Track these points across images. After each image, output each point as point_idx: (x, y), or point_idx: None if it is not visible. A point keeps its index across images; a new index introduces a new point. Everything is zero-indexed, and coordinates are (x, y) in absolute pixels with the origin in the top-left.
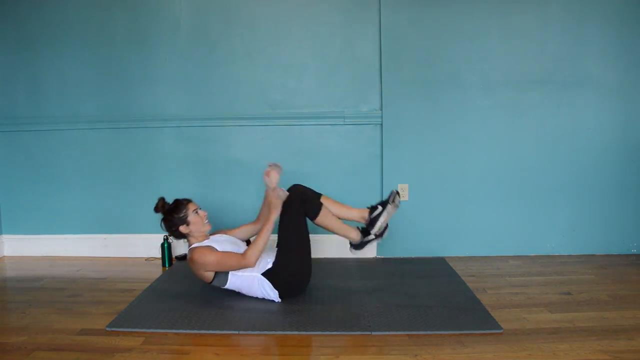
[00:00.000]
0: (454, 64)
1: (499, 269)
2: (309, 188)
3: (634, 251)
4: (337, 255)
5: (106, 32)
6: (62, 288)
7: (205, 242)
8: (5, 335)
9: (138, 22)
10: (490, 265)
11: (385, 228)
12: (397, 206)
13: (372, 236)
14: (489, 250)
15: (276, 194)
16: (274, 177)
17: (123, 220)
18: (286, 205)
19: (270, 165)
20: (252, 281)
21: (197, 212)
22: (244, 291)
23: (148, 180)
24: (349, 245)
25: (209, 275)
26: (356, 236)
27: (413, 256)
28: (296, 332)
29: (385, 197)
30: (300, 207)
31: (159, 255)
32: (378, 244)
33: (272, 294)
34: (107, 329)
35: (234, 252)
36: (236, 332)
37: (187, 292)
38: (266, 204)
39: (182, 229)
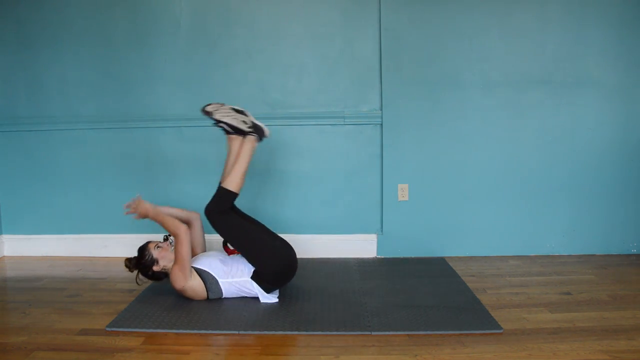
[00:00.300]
0: (454, 64)
1: (499, 269)
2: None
3: (634, 251)
4: (337, 255)
5: (106, 32)
6: (62, 288)
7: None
8: (5, 335)
9: (138, 22)
10: (490, 265)
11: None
12: (215, 109)
13: (245, 127)
14: (489, 250)
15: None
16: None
17: (123, 220)
18: (215, 224)
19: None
20: (246, 285)
21: (158, 247)
22: (244, 294)
23: (148, 180)
24: (259, 140)
25: (200, 292)
26: (250, 139)
27: (413, 256)
28: (296, 332)
29: (213, 123)
30: (223, 214)
31: None
32: (378, 245)
33: (267, 295)
34: (107, 329)
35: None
36: (236, 332)
37: None
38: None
39: (156, 268)
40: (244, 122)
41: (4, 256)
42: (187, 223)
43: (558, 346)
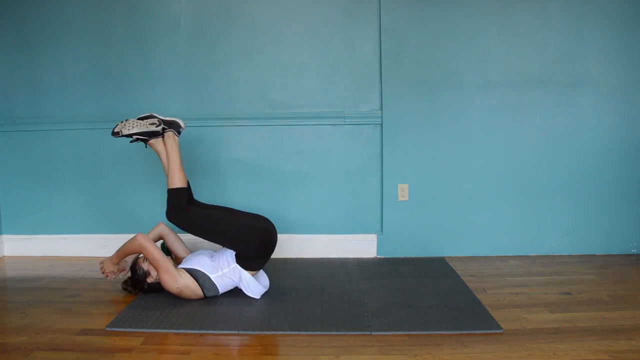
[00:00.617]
0: (454, 64)
1: (499, 269)
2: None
3: (634, 251)
4: (337, 255)
5: (106, 32)
6: (62, 288)
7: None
8: (5, 335)
9: (138, 21)
10: (490, 265)
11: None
12: (122, 125)
13: (154, 128)
14: (489, 250)
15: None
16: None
17: (123, 220)
18: (181, 225)
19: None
20: (233, 273)
21: (147, 259)
22: (235, 284)
23: (148, 180)
24: (177, 134)
25: (196, 290)
26: (169, 136)
27: (413, 256)
28: (296, 332)
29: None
30: (183, 214)
31: None
32: (378, 245)
33: (251, 288)
34: (107, 329)
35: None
36: (236, 332)
37: None
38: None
39: (150, 280)
40: (153, 124)
41: (4, 256)
42: (161, 237)
43: (558, 346)
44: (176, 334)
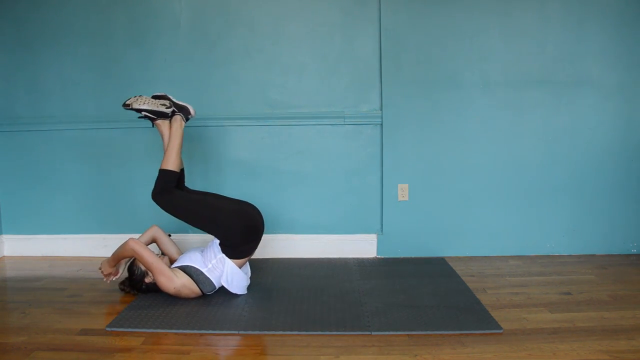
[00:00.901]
0: (454, 64)
1: (499, 269)
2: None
3: (634, 251)
4: (337, 255)
5: (106, 32)
6: (62, 288)
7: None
8: (5, 335)
9: (138, 21)
10: (490, 265)
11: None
12: (133, 101)
13: (164, 110)
14: (489, 250)
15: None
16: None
17: (123, 220)
18: (165, 206)
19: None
20: (223, 264)
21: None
22: (229, 277)
23: (148, 180)
24: (185, 119)
25: (193, 288)
26: (175, 120)
27: (413, 256)
28: (296, 332)
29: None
30: (169, 195)
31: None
32: (378, 245)
33: (235, 284)
34: (107, 329)
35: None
36: (236, 332)
37: None
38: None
39: (147, 280)
40: (164, 105)
41: (4, 256)
42: (154, 240)
43: (558, 346)
44: (176, 334)
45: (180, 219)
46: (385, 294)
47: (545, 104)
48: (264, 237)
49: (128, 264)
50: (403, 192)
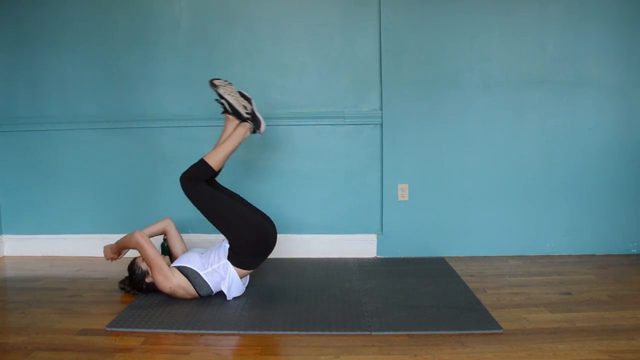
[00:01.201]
0: (454, 64)
1: (499, 269)
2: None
3: (634, 251)
4: (337, 255)
5: (106, 32)
6: (62, 288)
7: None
8: (5, 335)
9: (138, 22)
10: (490, 265)
11: (246, 100)
12: (223, 84)
13: (244, 112)
14: (489, 250)
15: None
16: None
17: (123, 220)
18: (189, 194)
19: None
20: (226, 270)
21: (145, 266)
22: (224, 281)
23: (148, 180)
24: (252, 131)
25: (189, 289)
26: (243, 125)
27: (413, 256)
28: (296, 332)
29: (216, 97)
30: (197, 185)
31: None
32: (378, 245)
33: (234, 286)
34: (107, 329)
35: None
36: (236, 332)
37: None
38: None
39: (148, 280)
40: (245, 107)
41: (4, 256)
42: (164, 232)
43: (558, 346)
44: (176, 334)
45: (199, 209)
46: (385, 294)
47: (545, 104)
48: None
49: (129, 264)
50: (403, 192)
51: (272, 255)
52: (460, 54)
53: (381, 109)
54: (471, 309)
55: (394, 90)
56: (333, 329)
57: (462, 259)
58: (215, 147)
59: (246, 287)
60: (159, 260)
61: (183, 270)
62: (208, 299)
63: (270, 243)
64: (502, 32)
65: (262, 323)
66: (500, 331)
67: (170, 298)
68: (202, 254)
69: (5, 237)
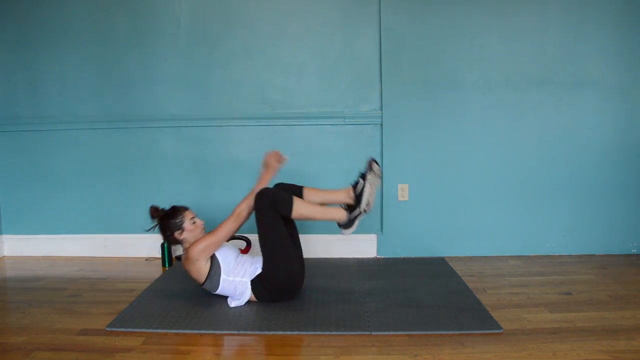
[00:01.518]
0: (454, 64)
1: (499, 269)
2: (282, 185)
3: (634, 251)
4: (337, 255)
5: (106, 32)
6: (62, 288)
7: None
8: (5, 335)
9: (138, 22)
10: (490, 265)
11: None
12: (378, 175)
13: (357, 211)
14: (489, 250)
15: (278, 157)
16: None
17: (123, 220)
18: (258, 210)
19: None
20: (241, 287)
21: (194, 221)
22: (235, 296)
23: (148, 180)
24: (339, 227)
25: (202, 274)
26: (342, 215)
27: (413, 256)
28: (296, 332)
29: (364, 170)
30: (271, 210)
31: (159, 255)
32: (378, 245)
33: (239, 301)
34: (107, 329)
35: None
36: (236, 332)
37: (187, 292)
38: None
39: (177, 234)
40: (367, 205)
41: (4, 256)
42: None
43: (558, 346)
44: (176, 334)
45: (258, 227)
46: (385, 294)
47: (545, 105)
48: None
49: (177, 206)
50: (403, 192)
51: None
52: (460, 54)
53: (381, 109)
54: (471, 309)
55: (394, 90)
56: (333, 329)
57: (462, 259)
58: (313, 196)
59: None
60: (218, 241)
61: (213, 261)
62: (208, 298)
63: (293, 294)
64: (502, 32)
65: (262, 323)
66: (500, 331)
67: (170, 298)
68: (236, 258)
69: (5, 237)
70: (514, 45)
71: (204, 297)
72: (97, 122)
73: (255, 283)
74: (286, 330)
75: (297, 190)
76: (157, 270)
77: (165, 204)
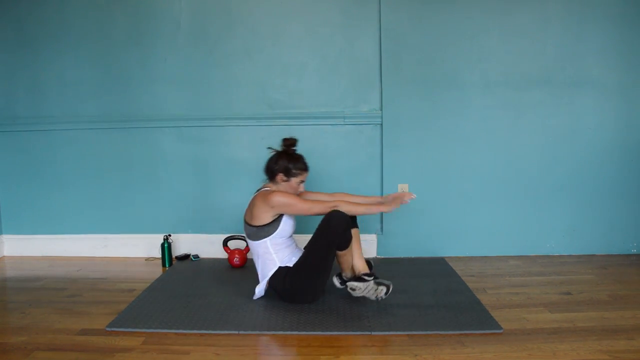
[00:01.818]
0: (454, 64)
1: (499, 269)
2: (347, 216)
3: (634, 251)
4: None
5: (106, 32)
6: (62, 288)
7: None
8: (5, 335)
9: (138, 22)
10: (490, 265)
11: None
12: (377, 294)
13: (358, 281)
14: (489, 250)
15: (406, 198)
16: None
17: (123, 220)
18: (329, 227)
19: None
20: (270, 263)
21: (301, 183)
22: (260, 260)
23: (148, 180)
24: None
25: (260, 220)
26: (364, 269)
27: (413, 256)
28: (296, 332)
29: (379, 280)
30: (338, 236)
31: (159, 255)
32: (378, 245)
33: (260, 288)
34: (107, 329)
35: (316, 202)
36: (236, 332)
37: (187, 292)
38: (389, 199)
39: (280, 176)
40: (353, 289)
41: (4, 256)
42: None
43: (558, 346)
44: (176, 334)
45: (319, 234)
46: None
47: (545, 104)
48: None
49: (303, 165)
50: (403, 192)
51: None
52: (460, 54)
53: (381, 109)
54: (471, 309)
55: (394, 90)
56: (333, 329)
57: (462, 259)
58: (354, 247)
59: (247, 288)
60: (296, 209)
61: (277, 221)
62: (208, 298)
63: (299, 302)
64: (502, 32)
65: (262, 323)
66: (500, 331)
67: (170, 298)
68: (289, 239)
69: (5, 237)
70: (514, 45)
71: (204, 297)
72: (97, 122)
73: (281, 272)
74: (286, 330)
75: (350, 231)
76: (157, 270)
77: (165, 204)
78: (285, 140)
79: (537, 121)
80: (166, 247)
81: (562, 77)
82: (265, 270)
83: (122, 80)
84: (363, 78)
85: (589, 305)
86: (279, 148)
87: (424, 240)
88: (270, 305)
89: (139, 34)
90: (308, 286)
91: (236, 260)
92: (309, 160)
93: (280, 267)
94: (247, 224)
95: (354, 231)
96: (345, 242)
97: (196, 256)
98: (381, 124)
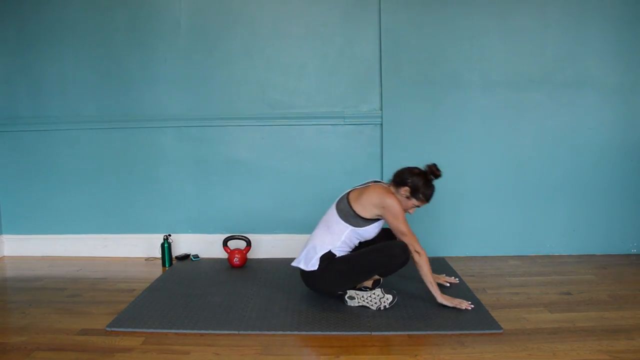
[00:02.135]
0: (454, 64)
1: (499, 269)
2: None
3: (634, 251)
4: None
5: (107, 33)
6: (62, 288)
7: None
8: (5, 335)
9: (138, 22)
10: (490, 265)
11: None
12: (382, 303)
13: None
14: (489, 250)
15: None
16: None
17: (123, 220)
18: (393, 255)
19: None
20: (330, 244)
21: (415, 207)
22: (326, 234)
23: (148, 180)
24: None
25: (361, 211)
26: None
27: None
28: (296, 332)
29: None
30: (389, 268)
31: (159, 255)
32: None
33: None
34: (107, 329)
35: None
36: (236, 332)
37: (187, 292)
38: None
39: (404, 190)
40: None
41: (4, 256)
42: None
43: (558, 346)
44: (176, 334)
45: (373, 254)
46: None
47: (545, 105)
48: (264, 237)
49: (429, 193)
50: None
51: (272, 255)
52: (460, 54)
53: (381, 109)
54: (471, 309)
55: (394, 90)
56: (333, 329)
57: (462, 259)
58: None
59: (247, 288)
60: (398, 231)
61: (372, 222)
62: (208, 298)
63: (315, 289)
64: (502, 32)
65: (262, 323)
66: (500, 331)
67: (170, 298)
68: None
69: (5, 237)
70: (514, 45)
71: (204, 297)
72: (97, 122)
73: (327, 256)
74: (286, 330)
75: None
76: (157, 270)
77: (165, 204)
78: (434, 166)
79: (536, 121)
80: (166, 247)
81: (562, 78)
82: (322, 245)
83: (122, 81)
84: (363, 78)
85: (589, 305)
86: (407, 164)
87: (423, 240)
88: (270, 306)
89: (140, 35)
90: (333, 281)
91: (236, 260)
92: (309, 160)
93: (330, 251)
94: (348, 201)
95: None
96: (387, 274)
97: (196, 256)
98: (381, 124)
